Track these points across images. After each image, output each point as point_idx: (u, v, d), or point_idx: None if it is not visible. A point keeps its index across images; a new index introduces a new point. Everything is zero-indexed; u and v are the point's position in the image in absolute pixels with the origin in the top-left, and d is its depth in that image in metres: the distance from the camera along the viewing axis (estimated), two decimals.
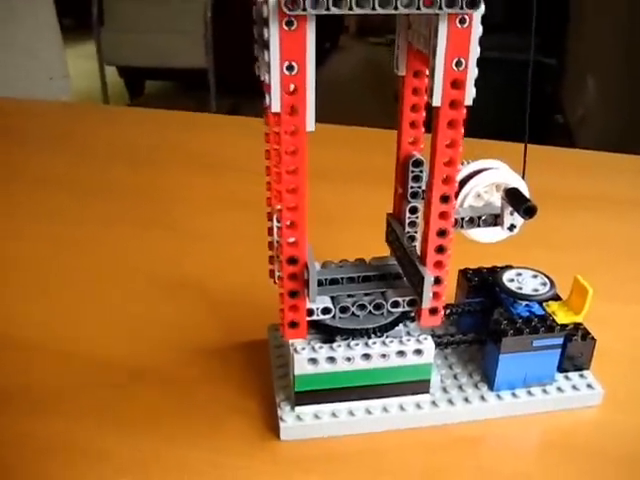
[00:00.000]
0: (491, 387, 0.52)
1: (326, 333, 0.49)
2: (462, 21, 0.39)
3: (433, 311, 0.48)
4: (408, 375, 0.50)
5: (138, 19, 3.12)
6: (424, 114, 0.49)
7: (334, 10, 0.37)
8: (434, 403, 0.51)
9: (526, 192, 0.48)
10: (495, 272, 0.56)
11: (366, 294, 0.50)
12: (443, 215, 0.45)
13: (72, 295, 0.69)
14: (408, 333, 0.52)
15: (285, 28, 0.37)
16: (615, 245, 0.78)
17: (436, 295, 0.47)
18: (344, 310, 0.48)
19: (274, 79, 0.38)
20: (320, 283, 0.48)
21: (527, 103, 0.49)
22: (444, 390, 0.52)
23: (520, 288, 0.53)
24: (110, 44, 3.20)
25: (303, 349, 0.48)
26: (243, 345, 0.60)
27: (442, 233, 0.46)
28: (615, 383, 0.54)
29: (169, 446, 0.50)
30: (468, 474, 0.48)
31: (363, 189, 0.88)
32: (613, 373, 0.55)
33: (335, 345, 0.48)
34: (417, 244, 0.52)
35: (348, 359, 0.48)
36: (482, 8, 0.38)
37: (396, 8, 0.37)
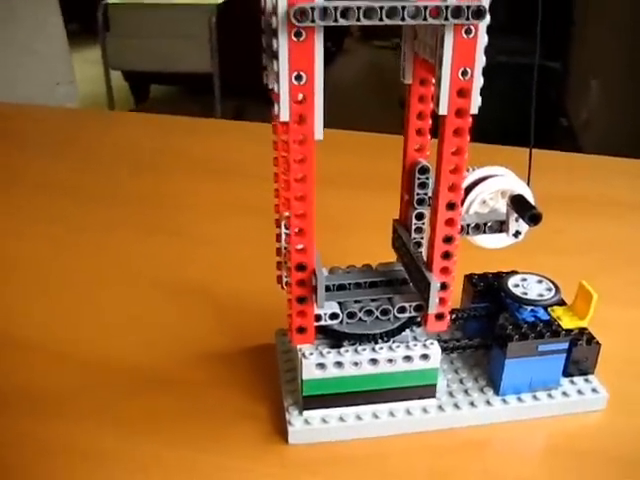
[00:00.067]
0: (497, 391, 0.53)
1: (333, 338, 0.50)
2: (468, 31, 0.40)
3: (439, 316, 0.49)
4: (415, 380, 0.50)
5: (143, 24, 3.14)
6: (430, 122, 0.50)
7: (342, 21, 0.37)
8: (440, 407, 0.51)
9: (531, 199, 0.49)
10: (500, 277, 0.56)
11: (373, 300, 0.50)
12: (449, 222, 0.46)
13: (73, 297, 0.70)
14: (414, 338, 0.53)
15: (294, 39, 0.38)
16: (620, 249, 0.78)
17: (442, 301, 0.48)
18: (351, 315, 0.49)
19: (283, 89, 0.39)
20: (328, 289, 0.49)
21: (532, 110, 0.50)
22: (450, 394, 0.53)
23: (525, 293, 0.54)
24: (115, 49, 3.22)
25: (311, 354, 0.48)
26: (250, 350, 0.60)
27: (448, 239, 0.46)
28: (620, 387, 0.54)
29: (174, 449, 0.50)
30: (474, 478, 0.48)
31: (368, 195, 0.89)
32: (618, 377, 0.55)
33: (342, 350, 0.49)
34: (423, 250, 0.53)
35: (355, 364, 0.49)
36: (487, 18, 0.39)
37: (403, 19, 0.38)
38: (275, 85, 0.40)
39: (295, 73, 0.39)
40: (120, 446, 0.51)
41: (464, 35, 0.40)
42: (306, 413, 0.50)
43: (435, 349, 0.49)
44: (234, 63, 3.12)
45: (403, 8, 0.38)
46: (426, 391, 0.51)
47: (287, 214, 0.45)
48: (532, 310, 0.53)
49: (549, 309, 0.53)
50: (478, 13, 0.38)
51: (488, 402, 0.52)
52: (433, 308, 0.47)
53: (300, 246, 0.45)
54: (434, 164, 0.46)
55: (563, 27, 2.60)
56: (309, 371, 0.48)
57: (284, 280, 0.53)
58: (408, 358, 0.49)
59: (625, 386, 0.55)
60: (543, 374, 0.52)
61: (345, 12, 0.37)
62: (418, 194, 0.51)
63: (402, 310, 0.49)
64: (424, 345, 0.49)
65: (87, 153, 1.10)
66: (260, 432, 0.51)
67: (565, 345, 0.51)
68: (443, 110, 0.42)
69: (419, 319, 0.51)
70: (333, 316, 0.49)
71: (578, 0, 2.67)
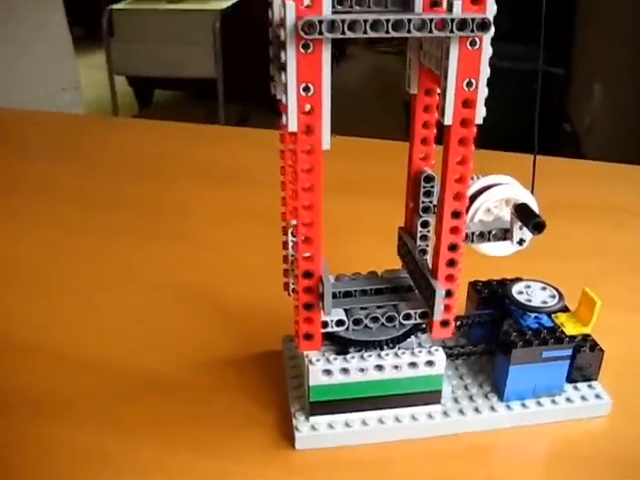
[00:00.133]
0: (501, 397, 0.53)
1: (340, 345, 0.50)
2: (473, 43, 0.40)
3: (444, 323, 0.49)
4: (420, 386, 0.51)
5: (147, 30, 3.15)
6: (435, 131, 0.50)
7: (349, 34, 0.38)
8: (445, 413, 0.52)
9: (535, 207, 0.50)
10: (504, 284, 0.57)
11: (379, 306, 0.51)
12: (454, 230, 0.46)
13: (77, 300, 0.71)
14: (419, 344, 0.53)
15: (302, 51, 0.38)
16: (623, 255, 0.79)
17: (447, 308, 0.48)
18: (357, 322, 0.50)
19: (291, 100, 0.40)
20: (334, 296, 0.49)
21: (536, 117, 0.50)
22: (455, 400, 0.53)
23: (529, 300, 0.54)
24: (120, 54, 3.23)
25: (318, 360, 0.49)
26: (257, 356, 0.61)
27: (453, 247, 0.47)
28: (623, 393, 0.55)
29: (178, 453, 0.51)
30: None
31: (371, 201, 0.89)
32: (621, 383, 0.56)
33: (349, 356, 0.49)
34: (428, 257, 0.53)
35: (361, 370, 0.49)
36: (492, 30, 0.40)
37: (409, 31, 0.39)
38: (283, 96, 0.40)
39: (303, 84, 0.39)
40: (122, 450, 0.51)
41: (469, 47, 0.40)
42: (313, 419, 0.51)
43: (440, 356, 0.50)
44: (238, 69, 3.13)
45: (409, 21, 0.38)
46: (431, 397, 0.52)
47: (295, 222, 0.45)
48: (536, 317, 0.54)
49: (553, 316, 0.54)
50: (483, 26, 0.39)
51: (492, 408, 0.52)
52: (438, 315, 0.48)
53: (307, 254, 0.45)
54: (439, 172, 0.47)
55: (566, 33, 2.60)
56: (316, 377, 0.49)
57: (291, 287, 0.54)
58: (413, 364, 0.50)
59: (628, 392, 0.56)
60: (547, 380, 0.53)
61: (352, 25, 0.38)
62: (423, 202, 0.52)
63: (407, 317, 0.50)
64: (429, 352, 0.50)
65: (89, 159, 1.11)
66: (267, 437, 0.52)
67: (569, 351, 0.52)
68: (448, 120, 0.42)
69: (424, 326, 0.51)
70: (339, 323, 0.49)
71: (580, 6, 2.67)
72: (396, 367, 0.50)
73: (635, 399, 0.55)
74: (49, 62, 2.57)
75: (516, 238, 0.50)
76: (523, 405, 0.53)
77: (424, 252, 0.53)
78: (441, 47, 0.41)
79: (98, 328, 0.66)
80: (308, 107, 0.40)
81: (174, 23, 3.16)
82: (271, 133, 1.18)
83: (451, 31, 0.39)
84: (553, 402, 0.53)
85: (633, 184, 0.98)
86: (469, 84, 0.41)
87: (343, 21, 0.38)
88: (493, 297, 0.57)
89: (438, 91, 0.47)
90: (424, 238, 0.53)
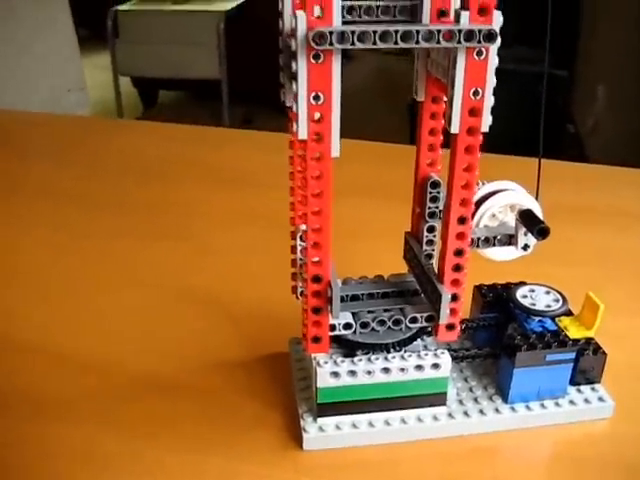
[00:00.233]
0: (505, 400, 0.54)
1: (347, 347, 0.51)
2: (479, 53, 0.41)
3: (450, 327, 0.50)
4: (426, 388, 0.52)
5: (152, 31, 3.16)
6: (441, 137, 0.51)
7: (359, 45, 0.39)
8: (450, 415, 0.53)
9: (539, 213, 0.50)
10: (509, 288, 0.58)
11: (385, 310, 0.52)
12: (460, 235, 0.47)
13: (76, 301, 0.71)
14: (425, 347, 0.54)
15: (312, 61, 0.39)
16: (626, 259, 0.79)
17: (453, 311, 0.49)
18: (364, 325, 0.50)
19: (301, 108, 0.41)
20: (341, 299, 0.50)
21: (541, 124, 0.51)
22: (460, 402, 0.54)
23: (533, 304, 0.55)
24: (124, 55, 3.24)
25: (325, 363, 0.50)
26: (264, 358, 0.62)
27: (459, 252, 0.48)
28: (626, 396, 0.55)
29: (183, 453, 0.52)
30: None
31: (377, 204, 0.90)
32: (624, 386, 0.56)
33: (356, 359, 0.50)
34: (434, 261, 0.54)
35: (368, 372, 0.50)
36: (498, 41, 0.40)
37: (417, 42, 0.39)
38: (294, 104, 0.41)
39: (313, 93, 0.40)
40: (124, 450, 0.52)
41: (475, 57, 0.41)
42: (320, 420, 0.52)
43: (446, 358, 0.51)
44: (242, 70, 3.14)
45: (417, 32, 0.39)
46: (437, 399, 0.53)
47: (304, 228, 0.46)
48: (540, 320, 0.55)
49: (556, 319, 0.55)
50: (489, 36, 0.40)
51: (497, 410, 0.53)
52: (444, 319, 0.49)
53: (316, 259, 0.46)
54: (445, 178, 0.47)
55: (569, 35, 2.61)
56: (324, 379, 0.50)
57: (299, 290, 0.55)
58: (419, 367, 0.51)
59: (631, 395, 0.56)
60: (551, 383, 0.54)
61: (362, 36, 0.39)
62: (429, 207, 0.53)
63: (414, 320, 0.51)
64: (435, 354, 0.51)
65: (92, 161, 1.11)
66: (275, 438, 0.53)
67: (572, 355, 0.53)
68: (455, 129, 0.43)
69: (430, 329, 0.52)
70: (347, 326, 0.50)
71: (584, 8, 2.68)
72: (402, 370, 0.51)
73: (637, 402, 0.56)
74: (55, 63, 2.58)
75: (521, 243, 0.51)
76: (527, 407, 0.54)
77: (430, 256, 0.54)
78: (448, 57, 0.42)
79: (101, 329, 0.67)
80: (318, 115, 0.41)
81: (179, 24, 3.17)
82: (274, 136, 1.20)
83: (458, 42, 0.40)
84: (557, 405, 0.54)
85: (637, 188, 0.98)
86: (475, 93, 0.42)
87: (353, 32, 0.38)
88: (498, 301, 0.58)
89: (444, 99, 0.48)
90: (430, 243, 0.54)
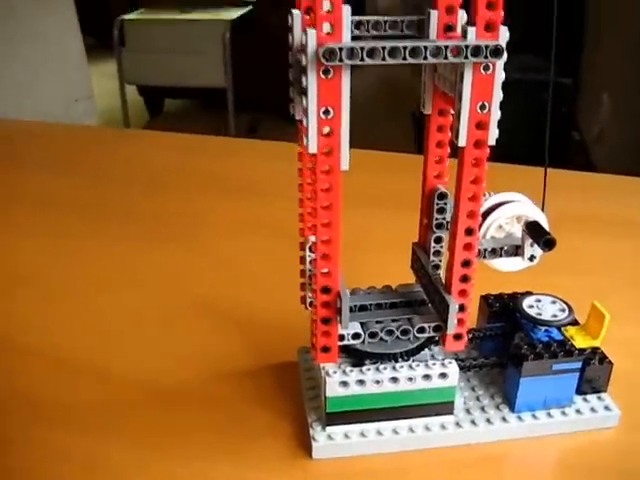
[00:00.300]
0: (512, 409, 0.54)
1: (356, 357, 0.52)
2: (486, 68, 0.42)
3: (457, 337, 0.51)
4: (433, 397, 0.52)
5: (158, 40, 3.18)
6: (449, 150, 0.52)
7: (368, 61, 0.40)
8: (458, 424, 0.53)
9: (545, 225, 0.51)
10: (515, 298, 0.58)
11: (393, 320, 0.52)
12: (467, 247, 0.48)
13: (78, 305, 0.73)
14: (432, 356, 0.55)
15: (322, 76, 0.40)
16: (632, 268, 0.80)
17: (460, 321, 0.50)
18: (373, 335, 0.51)
19: (311, 123, 0.41)
20: (350, 310, 0.50)
21: (547, 137, 0.52)
22: (467, 411, 0.54)
23: (540, 314, 0.56)
24: (131, 64, 3.26)
25: (335, 372, 0.50)
26: (272, 367, 0.62)
27: (466, 263, 0.48)
28: (632, 405, 0.56)
29: (192, 462, 0.52)
30: None
31: (385, 213, 0.91)
32: (630, 395, 0.57)
33: (364, 369, 0.51)
34: (441, 272, 0.55)
35: (377, 382, 0.51)
36: (505, 56, 0.41)
37: (425, 58, 0.40)
38: (303, 118, 0.42)
39: (323, 108, 0.41)
40: (127, 457, 0.53)
41: (482, 72, 0.42)
42: (329, 429, 0.52)
43: (453, 368, 0.51)
44: (248, 78, 3.16)
45: (425, 48, 0.40)
46: (444, 408, 0.53)
47: (313, 239, 0.47)
48: (546, 330, 0.55)
49: (563, 329, 0.55)
50: (496, 52, 0.40)
51: (504, 419, 0.54)
52: (452, 329, 0.49)
53: (325, 270, 0.47)
54: (452, 189, 0.48)
55: (574, 43, 2.62)
56: (332, 389, 0.50)
57: (308, 301, 0.55)
58: (427, 377, 0.51)
59: (637, 404, 0.57)
60: (557, 392, 0.54)
61: (371, 52, 0.39)
62: (437, 219, 0.53)
63: (422, 330, 0.51)
64: (442, 364, 0.51)
65: (98, 171, 1.12)
66: (284, 447, 0.53)
67: (578, 364, 0.53)
68: (462, 142, 0.44)
69: (437, 339, 0.52)
70: (355, 336, 0.51)
71: (589, 16, 2.69)
72: (410, 379, 0.51)
73: None
74: (63, 73, 2.59)
75: (527, 254, 0.51)
76: (534, 416, 0.54)
77: (437, 267, 0.55)
78: (455, 71, 0.43)
79: (102, 333, 0.67)
80: (327, 129, 0.42)
81: (184, 33, 3.19)
82: (279, 145, 1.21)
83: (465, 57, 0.40)
84: (563, 413, 0.54)
85: None
86: (482, 107, 0.43)
87: (362, 48, 0.39)
88: (504, 310, 0.59)
89: (451, 111, 0.49)
90: (437, 253, 0.55)
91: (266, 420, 0.56)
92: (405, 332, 0.51)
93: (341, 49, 0.39)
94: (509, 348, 0.54)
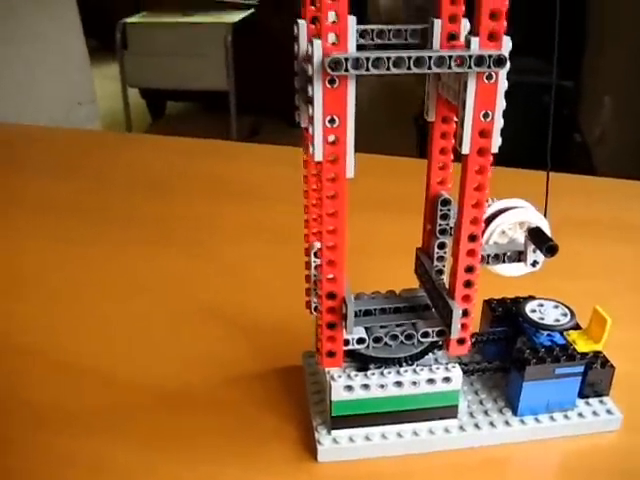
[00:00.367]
0: (515, 412, 0.55)
1: (360, 362, 0.52)
2: (489, 77, 0.42)
3: (461, 341, 0.51)
4: (437, 401, 0.53)
5: (160, 43, 3.19)
6: (452, 156, 0.52)
7: (373, 71, 0.40)
8: (461, 427, 0.54)
9: (548, 231, 0.52)
10: (518, 302, 0.59)
11: (398, 325, 0.53)
12: (471, 253, 0.48)
13: (82, 309, 0.73)
14: (436, 361, 0.55)
15: (328, 86, 0.41)
16: (633, 272, 0.80)
17: (464, 326, 0.50)
18: (377, 340, 0.52)
19: (317, 131, 0.42)
20: (355, 314, 0.51)
21: (549, 140, 0.53)
22: (471, 415, 0.55)
23: (542, 318, 0.56)
24: (133, 67, 3.28)
25: (339, 377, 0.51)
26: (277, 371, 0.63)
27: (470, 269, 0.49)
28: (634, 408, 0.56)
29: (201, 465, 0.53)
30: None
31: (388, 218, 0.91)
32: (632, 399, 0.57)
33: (369, 373, 0.51)
34: (445, 277, 0.55)
35: (381, 386, 0.51)
36: (508, 66, 0.42)
37: (429, 68, 0.41)
38: (309, 127, 0.43)
39: (329, 117, 0.42)
40: (134, 461, 0.53)
41: (486, 81, 0.42)
42: (334, 432, 0.53)
43: (457, 372, 0.52)
44: (250, 81, 3.17)
45: (429, 58, 0.41)
46: (448, 412, 0.54)
47: (318, 245, 0.47)
48: (549, 334, 0.56)
49: (565, 333, 0.56)
50: (499, 62, 0.41)
51: (507, 422, 0.54)
52: (455, 334, 0.50)
53: (331, 276, 0.47)
54: (455, 195, 0.49)
55: (575, 46, 2.62)
56: (338, 393, 0.51)
57: (313, 306, 0.56)
58: (431, 381, 0.52)
59: (639, 407, 0.57)
60: (559, 396, 0.55)
61: (376, 62, 0.40)
62: (440, 225, 0.54)
63: (425, 335, 0.52)
64: (446, 368, 0.52)
65: (101, 175, 1.12)
66: (290, 450, 0.54)
67: (580, 368, 0.54)
68: (466, 149, 0.44)
69: (441, 343, 0.53)
70: (360, 341, 0.51)
71: (590, 18, 2.69)
72: (414, 383, 0.52)
73: None
74: (66, 76, 2.59)
75: (530, 260, 0.52)
76: (536, 420, 0.55)
77: (441, 272, 0.55)
78: (459, 80, 0.44)
79: (107, 337, 0.68)
80: (333, 138, 0.42)
81: (186, 36, 3.20)
82: (279, 149, 1.21)
83: (469, 67, 0.41)
84: (565, 417, 0.55)
85: None
86: (485, 115, 0.43)
87: (367, 58, 0.40)
88: (507, 315, 0.59)
89: (455, 119, 0.49)
90: (441, 259, 0.55)
91: (272, 424, 0.56)
92: (409, 337, 0.52)
93: (347, 59, 0.39)
94: (512, 352, 0.55)
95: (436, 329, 0.52)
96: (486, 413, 0.55)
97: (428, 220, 0.55)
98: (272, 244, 0.85)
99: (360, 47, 0.43)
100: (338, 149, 0.43)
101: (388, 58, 0.40)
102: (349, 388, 0.51)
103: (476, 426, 0.54)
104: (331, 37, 0.40)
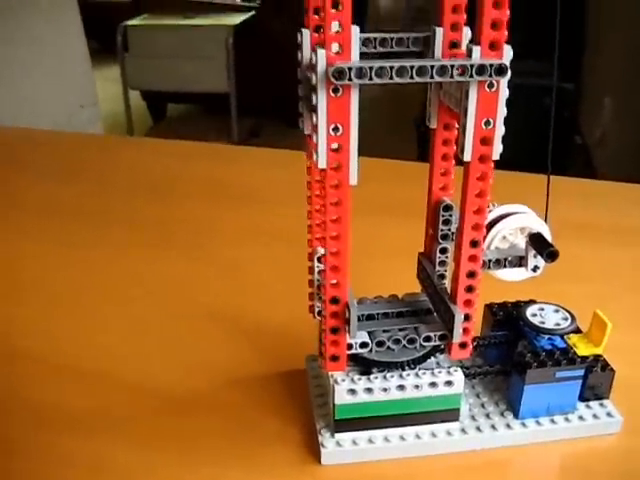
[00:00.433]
0: (516, 415, 0.55)
1: (363, 365, 0.53)
2: (490, 85, 0.43)
3: (463, 345, 0.52)
4: (439, 404, 0.53)
5: (161, 45, 3.19)
6: (454, 162, 0.53)
7: (376, 80, 0.41)
8: (463, 430, 0.54)
9: (548, 236, 0.52)
10: (519, 307, 0.59)
11: (400, 329, 0.53)
12: (472, 258, 0.49)
13: (83, 312, 0.74)
14: (438, 364, 0.56)
15: (332, 95, 0.41)
16: (632, 276, 0.81)
17: (466, 330, 0.51)
18: (380, 344, 0.52)
19: (321, 139, 0.42)
20: (358, 319, 0.51)
21: (550, 145, 0.53)
22: (472, 418, 0.55)
23: (543, 322, 0.57)
24: (134, 69, 3.28)
25: (343, 380, 0.52)
26: (281, 374, 0.63)
27: (471, 274, 0.49)
28: (634, 411, 0.57)
29: (204, 467, 0.53)
30: None
31: (391, 222, 0.92)
32: (632, 402, 0.57)
33: (372, 377, 0.52)
34: (447, 281, 0.56)
35: (384, 390, 0.52)
36: (509, 74, 0.42)
37: (432, 77, 0.41)
38: (313, 135, 0.43)
39: (332, 125, 0.42)
40: (135, 463, 0.54)
41: (487, 89, 0.43)
42: (337, 435, 0.53)
43: (459, 376, 0.52)
44: (250, 83, 3.17)
45: (432, 67, 0.41)
46: (450, 415, 0.54)
47: (322, 251, 0.48)
48: (549, 338, 0.56)
49: (565, 337, 0.56)
50: (500, 70, 0.42)
51: (508, 425, 0.55)
52: (457, 338, 0.50)
53: (334, 281, 0.48)
54: (457, 201, 0.49)
55: (576, 48, 2.63)
56: (341, 396, 0.52)
57: (316, 310, 0.57)
58: (433, 384, 0.52)
59: (639, 409, 0.57)
60: (560, 399, 0.55)
61: (379, 71, 0.41)
62: (442, 230, 0.54)
63: (428, 339, 0.52)
64: (448, 372, 0.53)
65: (102, 178, 1.13)
66: (293, 453, 0.54)
67: (581, 372, 0.54)
68: (467, 157, 0.45)
69: (443, 347, 0.54)
70: (363, 345, 0.52)
71: (590, 20, 2.70)
72: (417, 387, 0.52)
73: None
74: (68, 79, 2.59)
75: (531, 265, 0.52)
76: (537, 423, 0.55)
77: (443, 277, 0.56)
78: (461, 89, 0.44)
79: (107, 341, 0.69)
80: (336, 145, 0.43)
81: (187, 38, 3.21)
82: (278, 152, 1.22)
83: (470, 76, 0.42)
84: (566, 420, 0.55)
85: None
86: (487, 123, 0.44)
87: (371, 68, 0.40)
88: (508, 319, 0.60)
89: (456, 126, 0.50)
90: (443, 264, 0.56)
91: (275, 427, 0.57)
92: (412, 341, 0.52)
93: (350, 69, 0.40)
94: (513, 356, 0.56)
95: (438, 333, 0.52)
96: (488, 416, 0.56)
97: (430, 225, 0.55)
98: (272, 247, 0.86)
99: (363, 55, 0.43)
100: (342, 157, 0.43)
101: (391, 67, 0.41)
102: (352, 392, 0.52)
103: (478, 429, 0.55)
104: (335, 46, 0.41)
